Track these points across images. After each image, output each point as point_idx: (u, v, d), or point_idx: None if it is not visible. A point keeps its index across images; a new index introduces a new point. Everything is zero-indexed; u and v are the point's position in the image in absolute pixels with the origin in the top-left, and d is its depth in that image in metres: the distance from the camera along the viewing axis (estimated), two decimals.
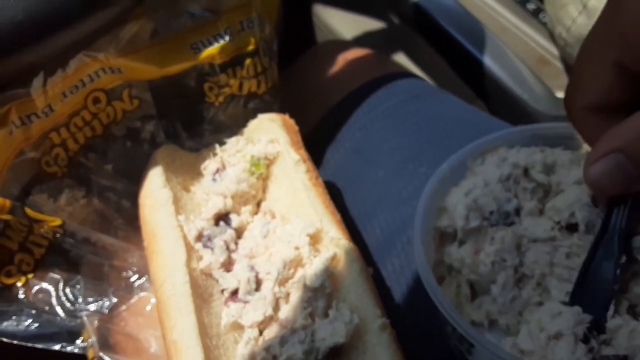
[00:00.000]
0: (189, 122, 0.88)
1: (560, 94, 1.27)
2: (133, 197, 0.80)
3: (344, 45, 1.21)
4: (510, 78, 1.18)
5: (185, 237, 0.71)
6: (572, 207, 0.58)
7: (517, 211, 0.62)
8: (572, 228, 0.59)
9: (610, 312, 0.54)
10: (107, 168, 0.83)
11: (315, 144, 0.93)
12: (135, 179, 0.81)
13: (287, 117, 0.85)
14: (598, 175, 0.52)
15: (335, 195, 0.87)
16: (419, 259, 0.60)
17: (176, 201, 0.75)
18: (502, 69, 1.20)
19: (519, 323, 0.58)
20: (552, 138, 0.68)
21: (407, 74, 1.09)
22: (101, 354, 0.70)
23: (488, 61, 1.20)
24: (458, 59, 1.25)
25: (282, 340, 0.62)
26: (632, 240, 0.56)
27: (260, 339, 0.64)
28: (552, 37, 1.38)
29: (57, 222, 0.74)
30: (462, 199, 0.63)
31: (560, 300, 0.56)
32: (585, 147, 0.66)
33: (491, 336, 0.59)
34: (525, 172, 0.64)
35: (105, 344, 0.71)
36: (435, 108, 0.98)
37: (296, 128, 0.84)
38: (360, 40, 1.66)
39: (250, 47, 0.86)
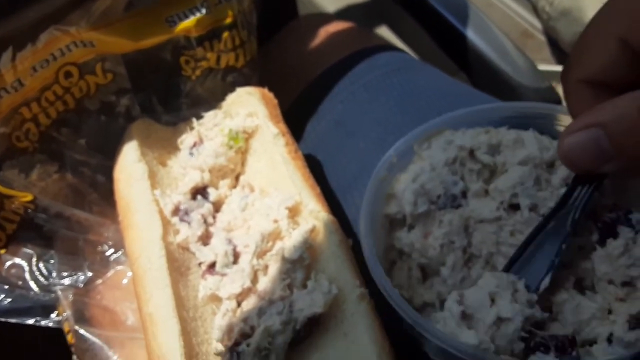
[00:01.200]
0: (165, 96, 0.86)
1: (543, 67, 1.27)
2: (108, 171, 0.79)
3: (326, 18, 1.19)
4: (493, 51, 1.17)
5: (161, 211, 0.70)
6: (514, 188, 0.59)
7: (464, 193, 0.62)
8: (515, 207, 0.59)
9: (546, 281, 0.54)
10: (80, 143, 0.81)
11: (296, 117, 0.92)
12: (110, 154, 0.80)
13: (265, 90, 0.83)
14: (572, 147, 0.50)
15: (316, 167, 0.86)
16: (367, 251, 0.60)
17: (152, 175, 0.74)
18: (485, 42, 1.18)
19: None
20: (497, 119, 0.68)
21: (389, 47, 1.07)
22: (77, 327, 0.69)
23: (471, 34, 1.19)
24: (441, 32, 1.24)
25: (260, 311, 0.61)
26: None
27: (238, 310, 0.64)
28: (535, 10, 1.37)
29: (29, 197, 0.73)
30: (409, 185, 0.63)
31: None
32: (531, 130, 0.65)
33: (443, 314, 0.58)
34: (471, 153, 0.64)
35: (81, 318, 0.70)
36: (418, 80, 0.97)
37: (275, 101, 0.83)
38: (343, 14, 1.63)
39: (228, 20, 0.83)
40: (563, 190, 0.58)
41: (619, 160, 0.49)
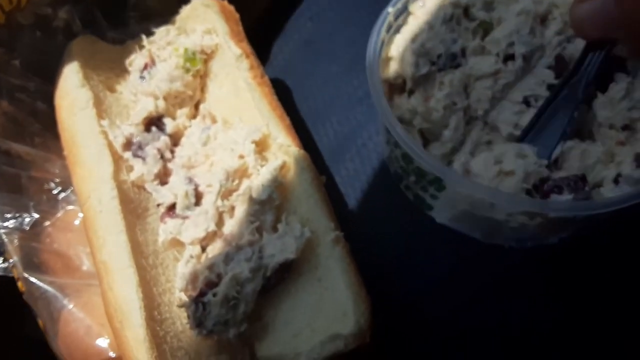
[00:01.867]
0: (110, 8, 0.75)
1: None
2: (49, 98, 0.70)
3: None
4: None
5: (110, 145, 0.63)
6: (510, 37, 0.59)
7: (463, 51, 0.61)
8: (511, 58, 0.59)
9: (557, 150, 0.56)
10: (15, 64, 0.71)
11: (260, 36, 0.82)
12: (50, 77, 0.70)
13: (225, 2, 0.73)
14: (583, 15, 0.53)
15: (284, 94, 0.79)
16: (382, 105, 0.57)
17: (98, 103, 0.65)
18: None
19: (469, 164, 0.58)
20: None
21: None
22: (26, 274, 0.63)
23: None
24: None
25: (227, 257, 0.56)
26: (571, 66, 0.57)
27: (203, 256, 0.59)
28: None
29: None
30: (409, 46, 0.62)
31: (507, 133, 0.58)
32: None
33: None
34: (466, 11, 0.64)
35: (30, 264, 0.64)
36: None
37: (237, 16, 0.73)
38: None
39: None
40: (555, 41, 0.59)
41: (628, 26, 0.51)
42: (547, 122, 0.58)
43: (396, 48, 0.63)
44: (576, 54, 0.58)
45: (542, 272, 0.64)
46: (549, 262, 0.64)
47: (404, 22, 0.65)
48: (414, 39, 0.62)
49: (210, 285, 0.55)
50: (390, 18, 0.63)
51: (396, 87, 0.64)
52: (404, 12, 0.65)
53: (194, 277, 0.56)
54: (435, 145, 0.60)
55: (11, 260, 0.64)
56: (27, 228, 0.65)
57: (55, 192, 0.69)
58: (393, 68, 0.63)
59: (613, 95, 0.56)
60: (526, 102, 0.58)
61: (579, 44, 0.59)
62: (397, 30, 0.64)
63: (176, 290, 0.57)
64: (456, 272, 0.66)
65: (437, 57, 0.60)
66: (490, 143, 0.58)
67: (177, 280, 0.57)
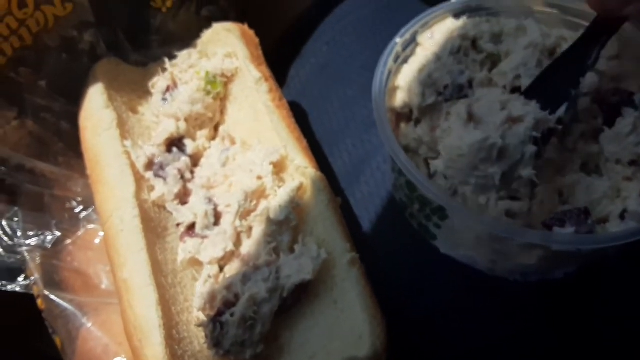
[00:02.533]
0: (134, 31, 0.77)
1: None
2: (73, 118, 0.71)
3: None
4: None
5: (133, 165, 0.64)
6: (517, 69, 0.60)
7: (470, 83, 0.62)
8: (517, 91, 0.60)
9: (562, 109, 0.55)
10: (41, 85, 0.72)
11: (278, 59, 0.84)
12: (75, 98, 0.72)
13: (246, 27, 0.75)
14: None
15: (300, 116, 0.80)
16: (387, 133, 0.58)
17: (121, 124, 0.67)
18: None
19: (476, 195, 0.57)
20: (495, 8, 0.68)
21: None
22: (47, 292, 0.64)
23: None
24: None
25: (245, 277, 0.57)
26: (579, 101, 0.58)
27: (221, 276, 0.60)
28: None
29: None
30: (416, 76, 0.62)
31: None
32: (531, 18, 0.66)
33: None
34: (474, 43, 0.64)
35: (51, 282, 0.65)
36: (410, 19, 0.89)
37: (256, 40, 0.75)
38: None
39: None
40: None
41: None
42: (552, 82, 0.59)
43: (404, 78, 0.64)
44: (584, 88, 0.59)
45: (547, 304, 0.64)
46: (553, 295, 0.64)
47: (412, 53, 0.66)
48: (421, 70, 0.63)
49: (228, 305, 0.56)
50: (398, 48, 0.64)
51: (403, 116, 0.64)
52: (412, 43, 0.66)
53: (212, 297, 0.57)
54: (441, 177, 0.60)
55: (32, 278, 0.65)
56: (49, 246, 0.67)
57: (77, 210, 0.71)
58: (400, 97, 0.63)
59: (620, 130, 0.56)
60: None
61: (587, 77, 0.59)
62: (405, 61, 0.66)
63: (194, 310, 0.58)
64: (466, 296, 0.67)
65: (443, 87, 0.61)
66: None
67: (195, 300, 0.58)
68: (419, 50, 0.66)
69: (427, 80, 0.62)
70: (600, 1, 0.55)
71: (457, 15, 0.67)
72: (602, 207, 0.55)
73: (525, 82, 0.59)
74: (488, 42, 0.64)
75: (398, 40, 0.64)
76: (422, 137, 0.61)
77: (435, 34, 0.66)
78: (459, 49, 0.64)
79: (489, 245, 0.57)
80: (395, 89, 0.64)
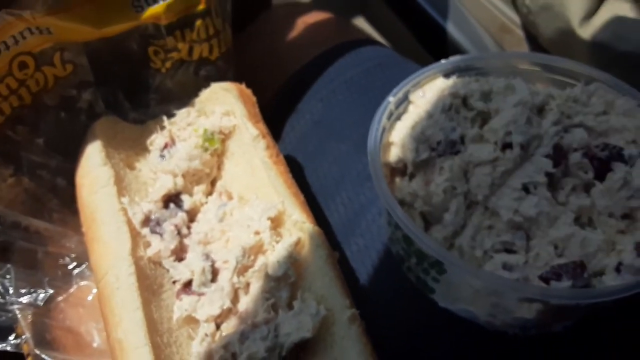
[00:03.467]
0: (133, 91, 0.79)
1: None
2: (69, 174, 0.72)
3: (303, 8, 1.13)
4: (472, 45, 1.16)
5: (129, 222, 0.64)
6: (507, 126, 0.61)
7: (462, 139, 0.63)
8: (508, 147, 0.61)
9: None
10: (38, 142, 0.73)
11: (273, 115, 0.86)
12: (72, 155, 0.72)
13: (243, 86, 0.77)
14: None
15: (296, 171, 0.81)
16: (383, 188, 0.59)
17: (118, 181, 0.67)
18: (464, 36, 1.17)
19: (473, 248, 0.58)
20: (483, 68, 0.70)
21: (369, 41, 1.02)
22: (37, 351, 0.62)
23: (450, 28, 1.16)
24: (420, 25, 1.20)
25: (242, 336, 0.56)
26: (570, 156, 0.60)
27: (218, 334, 0.59)
28: (514, 4, 1.35)
29: None
30: (409, 132, 0.64)
31: (507, 218, 0.58)
32: (519, 78, 0.68)
33: None
34: (464, 101, 0.66)
35: (42, 340, 0.63)
36: (400, 78, 0.91)
37: (254, 99, 0.77)
38: (319, 4, 1.56)
39: (201, 7, 0.77)
40: (552, 131, 0.61)
41: None
42: None
43: (397, 134, 0.66)
44: (573, 143, 0.61)
45: (546, 357, 0.64)
46: (553, 348, 0.63)
47: (405, 110, 0.68)
48: (414, 127, 0.64)
49: None
50: (392, 106, 0.66)
51: (397, 170, 0.66)
52: (404, 101, 0.68)
53: (209, 356, 0.55)
54: (437, 228, 0.61)
55: (23, 337, 0.63)
56: (41, 304, 0.65)
57: (70, 267, 0.70)
58: (394, 152, 0.65)
59: (611, 185, 0.57)
60: (525, 189, 0.59)
61: (577, 133, 0.61)
62: (398, 118, 0.68)
63: None
64: (466, 351, 0.66)
65: (436, 143, 0.63)
66: (492, 228, 0.59)
67: (192, 359, 0.56)
68: (411, 107, 0.68)
69: (420, 137, 0.63)
70: None
71: (447, 75, 0.69)
72: (597, 260, 0.55)
73: (515, 139, 0.60)
74: (478, 100, 0.65)
75: (391, 99, 0.66)
76: (417, 191, 0.62)
77: (427, 93, 0.68)
78: (450, 107, 0.65)
79: (488, 299, 0.57)
80: (389, 144, 0.66)
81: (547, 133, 0.61)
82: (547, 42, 1.29)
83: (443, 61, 0.70)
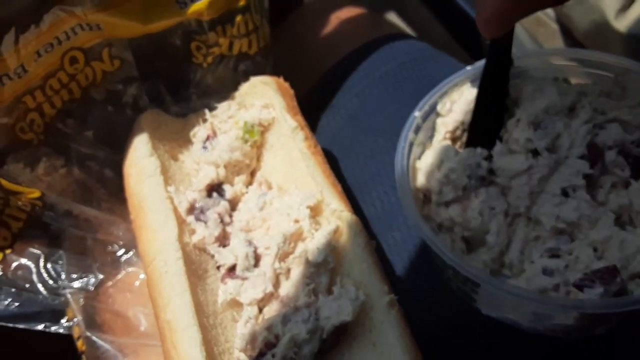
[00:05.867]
0: (175, 85, 0.82)
1: None
2: (116, 166, 0.75)
3: (336, 3, 1.14)
4: None
5: (175, 210, 0.67)
6: (527, 133, 0.59)
7: (491, 171, 0.61)
8: (536, 153, 0.60)
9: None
10: (87, 135, 0.77)
11: (309, 109, 0.87)
12: (118, 147, 0.76)
13: (281, 80, 0.79)
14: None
15: (332, 164, 0.82)
16: (410, 211, 0.58)
17: (164, 171, 0.70)
18: None
19: (522, 262, 0.58)
20: (515, 67, 0.66)
21: (403, 36, 1.03)
22: (88, 333, 0.65)
23: None
24: (453, 19, 1.20)
25: (285, 318, 0.58)
26: (605, 154, 0.58)
27: (260, 317, 0.61)
28: None
29: (36, 193, 0.69)
30: (435, 174, 0.62)
31: (550, 226, 0.57)
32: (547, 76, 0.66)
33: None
34: None
35: (92, 323, 0.66)
36: (435, 72, 0.93)
37: (292, 92, 0.79)
38: None
39: (241, 3, 0.79)
40: (584, 129, 0.59)
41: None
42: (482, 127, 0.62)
43: (425, 162, 0.64)
44: (609, 141, 0.59)
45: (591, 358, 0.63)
46: (598, 350, 0.63)
47: (433, 128, 0.67)
48: (439, 166, 0.63)
49: (269, 345, 0.57)
50: (419, 120, 0.65)
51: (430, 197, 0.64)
52: (431, 113, 0.67)
53: (253, 338, 0.57)
54: (482, 251, 0.60)
55: (74, 320, 0.67)
56: (92, 288, 0.69)
57: (118, 254, 0.73)
58: (423, 181, 0.63)
59: None
60: (564, 193, 0.58)
61: (612, 129, 0.59)
62: (429, 138, 0.67)
63: (235, 351, 0.59)
64: (504, 342, 0.66)
65: (462, 188, 0.61)
66: (538, 239, 0.58)
67: (237, 340, 0.59)
68: (439, 122, 0.67)
69: (443, 181, 0.61)
70: (483, 25, 0.55)
71: (474, 82, 0.67)
72: (637, 262, 0.54)
73: (538, 144, 0.59)
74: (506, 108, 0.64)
75: (417, 113, 0.65)
76: (454, 218, 0.60)
77: (454, 106, 0.67)
78: None
79: (528, 307, 0.56)
80: (418, 170, 0.64)
81: (578, 133, 0.59)
82: (581, 35, 1.28)
83: (469, 67, 0.68)
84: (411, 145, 0.64)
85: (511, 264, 0.58)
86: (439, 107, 0.67)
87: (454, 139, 0.67)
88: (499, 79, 0.63)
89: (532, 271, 0.56)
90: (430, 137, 0.67)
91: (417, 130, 0.65)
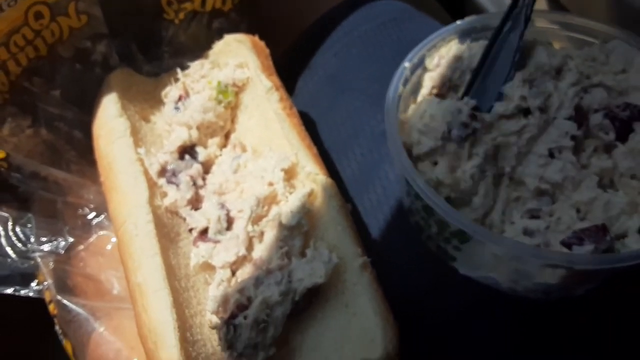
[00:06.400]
0: (146, 43, 0.79)
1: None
2: (85, 127, 0.73)
3: None
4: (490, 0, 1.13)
5: (146, 172, 0.65)
6: (521, 91, 0.59)
7: (473, 116, 0.60)
8: (528, 112, 0.60)
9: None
10: (54, 94, 0.74)
11: (286, 70, 0.85)
12: (87, 107, 0.73)
13: (256, 38, 0.77)
14: None
15: (309, 126, 0.81)
16: (404, 162, 0.57)
17: (134, 132, 0.68)
18: None
19: (502, 222, 0.58)
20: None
21: None
22: (59, 297, 0.64)
23: None
24: None
25: (257, 281, 0.58)
26: (590, 117, 0.59)
27: (233, 280, 0.60)
28: None
29: (1, 154, 0.67)
30: (416, 125, 0.61)
31: (534, 187, 0.57)
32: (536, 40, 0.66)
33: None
34: None
35: (64, 287, 0.66)
36: (415, 33, 0.91)
37: (267, 51, 0.76)
38: None
39: None
40: (572, 92, 0.60)
41: None
42: (488, 72, 0.61)
43: (408, 116, 0.63)
44: (593, 104, 0.59)
45: (566, 317, 0.64)
46: (573, 311, 0.64)
47: (420, 80, 0.66)
48: (421, 115, 0.62)
49: (241, 307, 0.56)
50: (407, 72, 0.64)
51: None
52: (419, 66, 0.66)
53: (225, 300, 0.57)
54: (466, 211, 0.60)
55: (45, 283, 0.66)
56: (62, 252, 0.67)
57: (89, 217, 0.71)
58: (408, 135, 0.62)
59: (633, 146, 0.57)
60: (551, 154, 0.58)
61: (596, 93, 0.59)
62: (414, 91, 0.66)
63: (207, 313, 0.58)
64: (479, 303, 0.67)
65: (443, 133, 0.59)
66: (519, 199, 0.58)
67: (209, 303, 0.58)
68: (426, 77, 0.66)
69: (423, 129, 0.60)
70: None
71: (462, 37, 0.67)
72: (621, 223, 0.55)
73: (532, 103, 0.59)
74: None
75: (407, 64, 0.64)
76: (443, 179, 0.59)
77: (441, 60, 0.66)
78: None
79: (510, 265, 0.57)
80: (403, 123, 0.63)
81: (567, 95, 0.60)
82: None
83: (459, 22, 0.68)
84: (399, 97, 0.63)
85: (491, 225, 0.58)
86: (426, 62, 0.66)
87: (439, 95, 0.66)
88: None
89: (513, 232, 0.56)
90: (416, 91, 0.66)
91: (405, 82, 0.64)
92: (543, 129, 0.59)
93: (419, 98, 0.65)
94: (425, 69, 0.66)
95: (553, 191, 0.57)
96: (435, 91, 0.65)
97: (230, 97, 0.73)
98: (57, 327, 0.65)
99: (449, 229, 0.57)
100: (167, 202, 0.65)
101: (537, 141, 0.59)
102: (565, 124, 0.59)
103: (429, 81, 0.65)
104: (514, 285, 0.59)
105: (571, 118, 0.59)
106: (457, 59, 0.64)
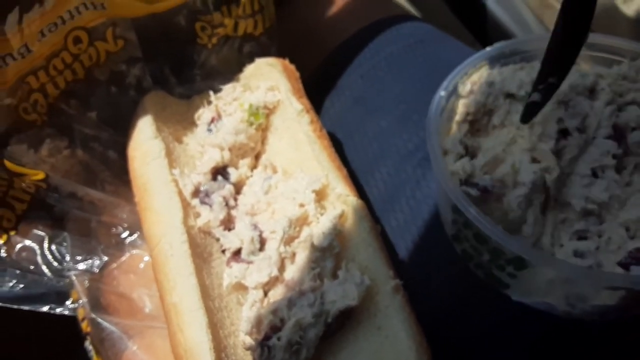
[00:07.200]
0: (179, 66, 0.81)
1: None
2: (120, 147, 0.74)
3: None
4: (513, 21, 1.14)
5: (180, 193, 0.66)
6: (557, 113, 0.59)
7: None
8: (567, 133, 0.59)
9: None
10: (90, 116, 0.76)
11: (313, 91, 0.87)
12: (121, 128, 0.75)
13: (287, 62, 0.78)
14: None
15: (336, 146, 0.82)
16: (453, 191, 0.56)
17: (169, 153, 0.70)
18: (505, 12, 1.15)
19: (552, 246, 0.57)
20: (529, 51, 0.68)
21: (410, 17, 1.02)
22: (93, 315, 0.65)
23: (491, 3, 1.14)
24: (461, 1, 1.18)
25: (290, 302, 0.58)
26: (628, 135, 0.58)
27: (265, 300, 0.61)
28: None
29: (40, 175, 0.68)
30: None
31: (580, 207, 0.56)
32: None
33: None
34: (511, 95, 0.64)
35: (97, 305, 0.67)
36: (441, 54, 0.92)
37: (297, 74, 0.78)
38: None
39: None
40: (608, 111, 0.59)
41: None
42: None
43: (447, 143, 0.63)
44: (630, 122, 0.59)
45: (599, 342, 0.64)
46: (604, 332, 0.63)
47: (453, 109, 0.66)
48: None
49: (275, 329, 0.57)
50: (443, 102, 0.64)
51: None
52: (453, 94, 0.66)
53: (259, 321, 0.58)
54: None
55: (79, 302, 0.67)
56: (97, 270, 0.69)
57: (122, 236, 0.73)
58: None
59: None
60: (594, 173, 0.58)
61: (631, 111, 0.60)
62: (449, 118, 0.66)
63: (240, 334, 0.59)
64: (509, 324, 0.67)
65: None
66: (565, 221, 0.58)
67: (243, 324, 0.59)
68: (459, 104, 0.66)
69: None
70: None
71: (492, 62, 0.68)
72: None
73: (569, 124, 0.59)
74: (526, 92, 0.63)
75: (442, 93, 0.65)
76: (492, 211, 0.58)
77: (474, 87, 0.66)
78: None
79: (566, 289, 0.56)
80: (446, 152, 0.63)
81: (603, 114, 0.60)
82: None
83: (488, 49, 0.68)
84: (438, 122, 0.63)
85: (542, 249, 0.57)
86: (459, 89, 0.66)
87: (473, 122, 0.66)
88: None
89: (563, 254, 0.55)
90: (450, 119, 0.66)
91: (442, 111, 0.64)
92: (583, 149, 0.59)
93: (453, 125, 0.65)
94: (458, 96, 0.66)
95: (599, 211, 0.57)
96: (470, 117, 0.65)
97: (262, 119, 0.74)
98: (87, 344, 0.66)
99: (504, 256, 0.56)
100: (200, 222, 0.66)
101: (578, 161, 0.59)
102: (606, 143, 0.58)
103: (463, 107, 0.66)
104: (570, 309, 0.58)
105: (610, 137, 0.59)
106: (490, 84, 0.65)
